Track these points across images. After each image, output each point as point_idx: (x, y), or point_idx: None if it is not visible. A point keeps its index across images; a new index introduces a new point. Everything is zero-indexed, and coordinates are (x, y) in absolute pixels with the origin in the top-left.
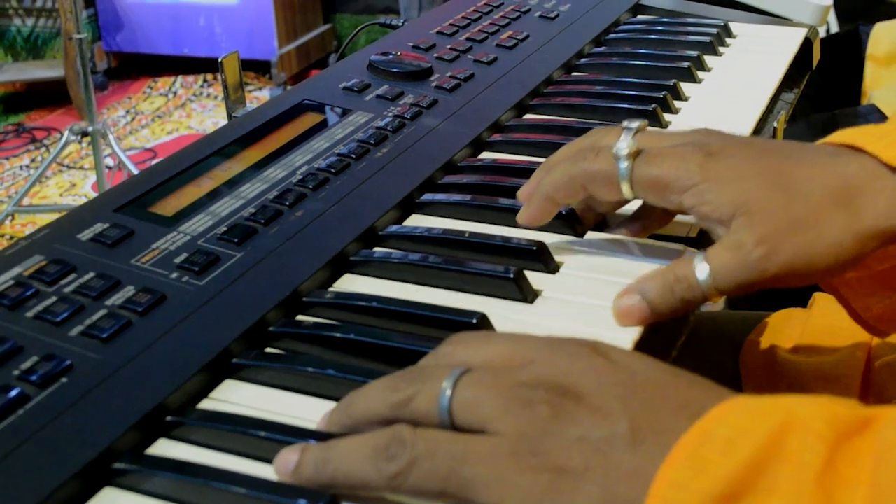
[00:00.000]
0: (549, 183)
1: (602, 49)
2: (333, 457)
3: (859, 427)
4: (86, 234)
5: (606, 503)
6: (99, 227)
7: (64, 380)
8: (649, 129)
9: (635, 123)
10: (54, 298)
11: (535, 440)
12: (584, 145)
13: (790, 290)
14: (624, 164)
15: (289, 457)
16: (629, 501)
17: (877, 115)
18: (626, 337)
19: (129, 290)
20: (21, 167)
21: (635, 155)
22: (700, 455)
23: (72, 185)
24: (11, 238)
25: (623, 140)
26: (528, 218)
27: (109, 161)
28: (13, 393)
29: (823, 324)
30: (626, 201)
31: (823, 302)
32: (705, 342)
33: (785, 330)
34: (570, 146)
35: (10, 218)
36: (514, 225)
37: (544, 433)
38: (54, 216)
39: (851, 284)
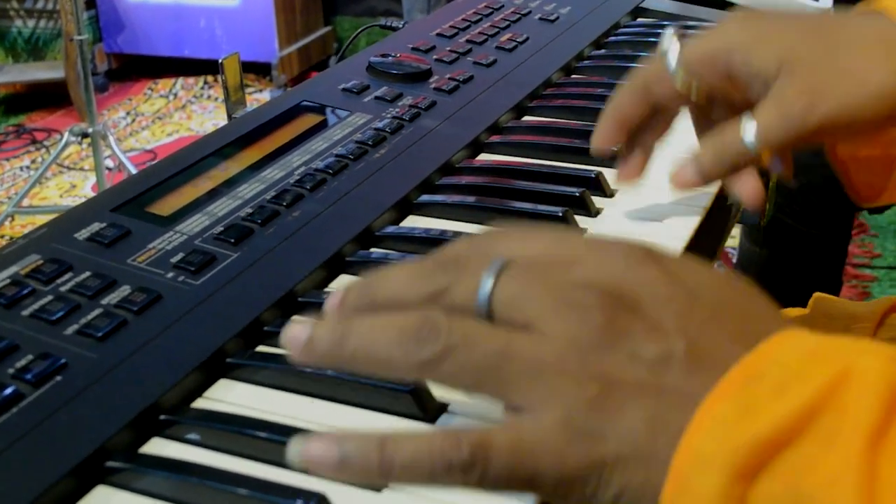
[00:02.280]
0: (613, 108)
1: (602, 52)
2: (353, 333)
3: None
4: (83, 234)
5: (653, 426)
6: (96, 226)
7: (58, 378)
8: None
9: (672, 30)
10: (50, 297)
11: (586, 347)
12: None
13: (790, 292)
14: (673, 55)
15: (298, 332)
16: (676, 428)
17: None
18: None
19: (124, 290)
20: (21, 168)
21: (680, 45)
22: (750, 393)
23: (72, 187)
24: (11, 239)
25: (666, 38)
26: (600, 140)
27: (109, 162)
28: (8, 391)
29: (823, 324)
30: (686, 99)
31: (823, 302)
32: None
33: None
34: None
35: (9, 219)
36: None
37: (596, 342)
38: (55, 217)
39: (862, 161)
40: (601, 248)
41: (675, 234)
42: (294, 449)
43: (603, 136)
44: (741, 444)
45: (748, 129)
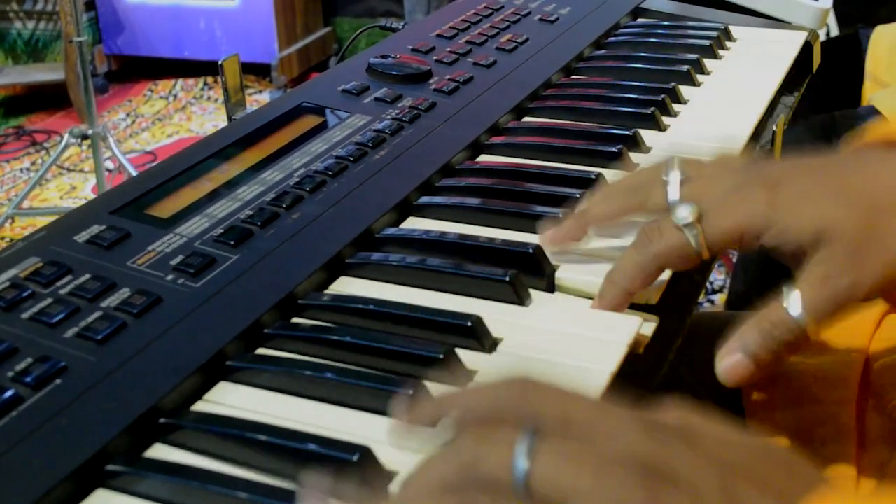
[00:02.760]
0: (622, 278)
1: (602, 52)
2: None
3: None
4: (82, 236)
5: None
6: (95, 228)
7: (58, 381)
8: (685, 165)
9: (676, 175)
10: (50, 300)
11: None
12: (634, 206)
13: None
14: (692, 234)
15: None
16: None
17: (875, 117)
18: (622, 341)
19: (124, 292)
20: (21, 170)
21: (699, 219)
22: None
23: (72, 188)
24: (11, 241)
25: (681, 209)
26: (606, 307)
27: (109, 164)
28: (7, 394)
29: None
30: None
31: None
32: (705, 343)
33: None
34: (614, 199)
35: (9, 221)
36: (512, 228)
37: None
38: (54, 219)
39: None
40: (640, 421)
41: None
42: None
43: (607, 303)
44: None
45: (794, 305)
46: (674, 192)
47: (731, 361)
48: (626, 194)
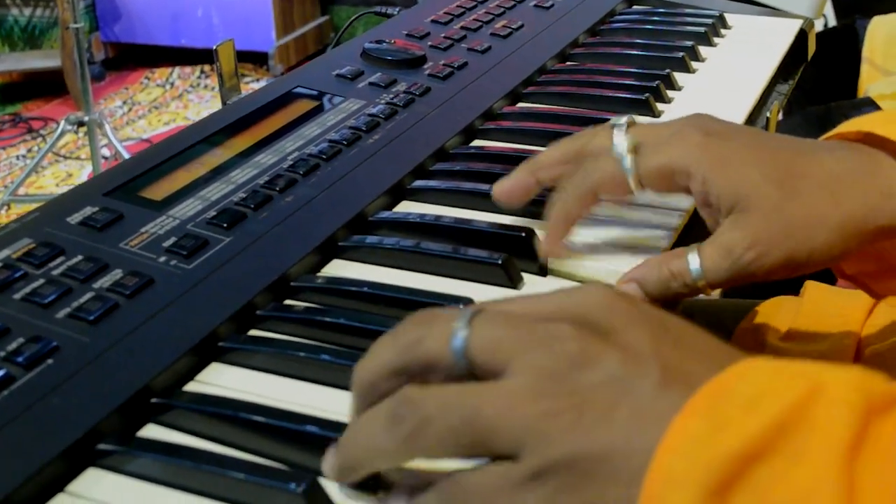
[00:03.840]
0: (561, 205)
1: (597, 39)
2: (347, 437)
3: (891, 404)
4: (75, 218)
5: (628, 445)
6: (88, 210)
7: (50, 361)
8: (638, 119)
9: (623, 120)
10: (42, 281)
11: (561, 378)
12: (577, 149)
13: (783, 282)
14: (627, 161)
15: (328, 460)
16: (650, 445)
17: (872, 108)
18: None
19: (116, 273)
20: (17, 157)
21: (635, 150)
22: (719, 410)
23: (68, 175)
24: None
25: (618, 137)
26: (550, 244)
27: (106, 151)
28: None
29: (814, 312)
30: (632, 196)
31: (815, 290)
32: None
33: (776, 318)
34: (560, 147)
35: (5, 208)
36: (504, 212)
37: (570, 370)
38: (47, 201)
39: (871, 274)
40: (570, 291)
41: (668, 221)
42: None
43: (552, 245)
44: (712, 461)
45: (693, 264)
46: (619, 134)
47: (625, 290)
48: (572, 140)
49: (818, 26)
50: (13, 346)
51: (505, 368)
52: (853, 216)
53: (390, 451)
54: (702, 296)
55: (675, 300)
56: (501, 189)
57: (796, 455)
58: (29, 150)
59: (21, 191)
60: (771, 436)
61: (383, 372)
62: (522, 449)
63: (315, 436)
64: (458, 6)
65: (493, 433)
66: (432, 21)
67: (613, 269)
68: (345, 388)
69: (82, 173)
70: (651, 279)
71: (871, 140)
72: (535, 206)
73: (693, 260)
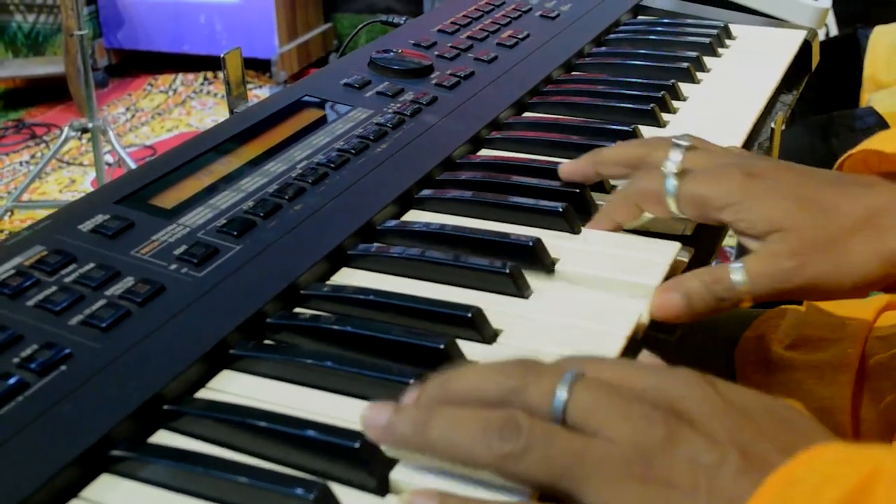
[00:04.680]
0: (608, 208)
1: (602, 49)
2: (436, 422)
3: None
4: (86, 226)
5: None
6: (99, 218)
7: (63, 368)
8: (697, 141)
9: (685, 141)
10: (54, 288)
11: (649, 453)
12: (639, 157)
13: None
14: (671, 183)
15: (377, 415)
16: None
17: (874, 118)
18: (620, 333)
19: (128, 281)
20: (21, 163)
21: (682, 174)
22: (786, 496)
23: (71, 182)
24: (10, 234)
25: (672, 159)
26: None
27: (109, 158)
28: (13, 380)
29: (818, 321)
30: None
31: None
32: (701, 338)
33: (780, 327)
34: (625, 149)
35: (9, 214)
36: (511, 221)
37: (658, 448)
38: (58, 209)
39: None
40: (665, 371)
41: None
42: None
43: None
44: None
45: (737, 273)
46: (675, 156)
47: (667, 298)
48: (636, 146)
49: (819, 36)
50: (27, 352)
51: (598, 433)
52: (889, 242)
53: (481, 460)
54: None
55: (716, 311)
56: (565, 170)
57: None
58: (32, 157)
59: (24, 197)
60: None
61: (479, 398)
62: None
63: (322, 441)
64: (464, 16)
65: (584, 483)
66: (439, 31)
67: (611, 278)
68: (353, 395)
69: (85, 179)
70: (694, 287)
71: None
72: (542, 216)
73: (737, 268)
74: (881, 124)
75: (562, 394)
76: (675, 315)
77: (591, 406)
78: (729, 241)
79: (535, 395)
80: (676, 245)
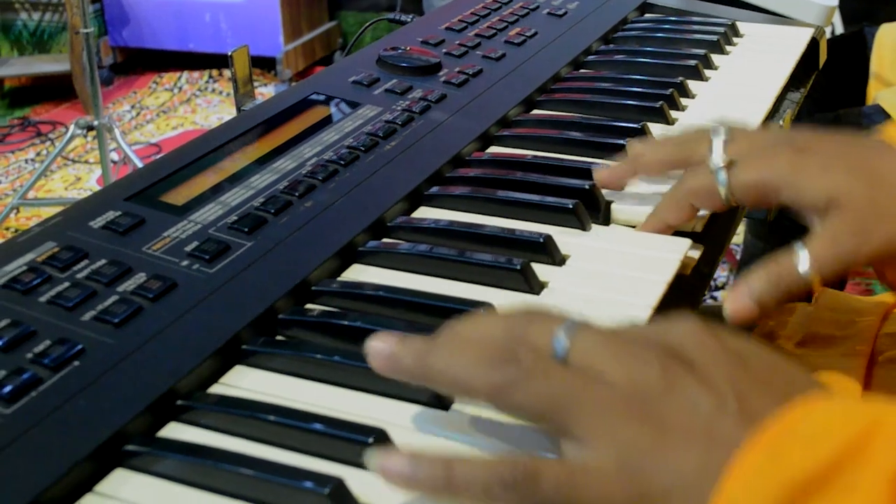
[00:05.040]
0: (660, 209)
1: (610, 46)
2: (438, 354)
3: None
4: (98, 222)
5: (699, 468)
6: (111, 214)
7: (76, 363)
8: (734, 127)
9: (722, 132)
10: (67, 284)
11: (647, 395)
12: (681, 158)
13: None
14: (722, 177)
15: (382, 345)
16: (718, 473)
17: (881, 116)
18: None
19: (140, 277)
20: (26, 161)
21: (731, 164)
22: (782, 446)
23: (77, 179)
24: (16, 231)
25: (716, 153)
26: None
27: (115, 155)
28: (26, 376)
29: (828, 318)
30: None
31: (828, 296)
32: None
33: (790, 324)
34: (665, 148)
35: (15, 211)
36: (522, 218)
37: (656, 391)
38: (59, 210)
39: None
40: (665, 319)
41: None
42: (374, 459)
43: (649, 230)
44: (770, 492)
45: (802, 260)
46: (717, 148)
47: (739, 304)
48: (676, 145)
49: (826, 33)
50: (40, 348)
51: (596, 375)
52: None
53: (478, 389)
54: (719, 301)
55: (785, 301)
56: (603, 177)
57: (849, 488)
58: (38, 154)
59: (30, 194)
60: (828, 471)
61: (481, 341)
62: (597, 446)
63: (335, 436)
64: (472, 14)
65: (578, 419)
66: (447, 28)
67: (622, 274)
68: (363, 389)
69: (91, 177)
70: (760, 286)
71: None
72: (552, 213)
73: (801, 254)
74: (888, 122)
75: (563, 337)
76: (750, 318)
77: (592, 349)
78: (736, 238)
79: (538, 336)
80: (687, 242)
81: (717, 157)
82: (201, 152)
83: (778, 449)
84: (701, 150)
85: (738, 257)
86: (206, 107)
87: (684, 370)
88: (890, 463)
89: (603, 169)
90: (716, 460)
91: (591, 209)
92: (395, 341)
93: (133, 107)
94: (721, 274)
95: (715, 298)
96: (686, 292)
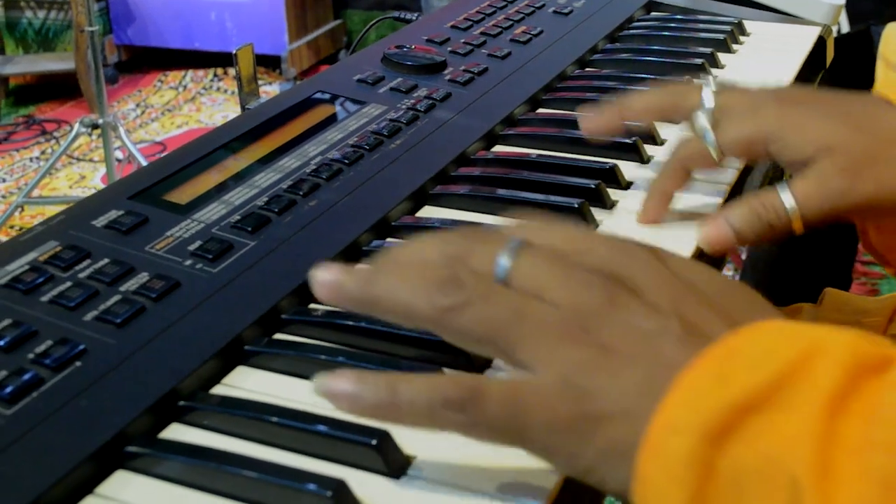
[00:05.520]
0: (657, 182)
1: (616, 45)
2: (381, 279)
3: (881, 364)
4: (100, 221)
5: (641, 389)
6: (113, 213)
7: (78, 363)
8: (722, 81)
9: (711, 82)
10: (69, 283)
11: (589, 317)
12: (668, 105)
13: (799, 288)
14: (710, 138)
15: (326, 274)
16: (660, 394)
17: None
18: None
19: (143, 277)
20: (31, 159)
21: (717, 122)
22: (725, 368)
23: (81, 178)
24: (21, 230)
25: (705, 104)
26: (649, 218)
27: (119, 154)
28: (27, 376)
29: (834, 318)
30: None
31: (834, 297)
32: None
33: None
34: (653, 96)
35: (19, 209)
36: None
37: (598, 313)
38: (71, 204)
39: (893, 248)
40: (613, 241)
41: (702, 207)
42: (319, 381)
43: (650, 214)
44: (711, 411)
45: (787, 196)
46: (707, 97)
47: (714, 228)
48: (665, 93)
49: (832, 32)
50: (41, 348)
51: (540, 297)
52: None
53: (421, 313)
54: None
55: (767, 237)
56: (588, 125)
57: (787, 406)
58: (42, 153)
59: (35, 193)
60: (768, 390)
61: (422, 262)
62: (541, 367)
63: (339, 438)
64: (477, 12)
65: (521, 341)
66: (452, 27)
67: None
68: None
69: (95, 176)
70: (741, 214)
71: None
72: (557, 212)
73: (784, 191)
74: None
75: (505, 260)
76: (724, 245)
77: (534, 272)
78: None
79: (479, 260)
80: (694, 238)
81: (701, 119)
82: (205, 151)
83: (720, 370)
84: (690, 99)
85: (743, 257)
86: (211, 105)
87: (629, 293)
88: (827, 382)
89: (589, 117)
90: (658, 382)
91: (596, 207)
92: (339, 270)
93: (138, 105)
94: (728, 275)
95: None
96: None
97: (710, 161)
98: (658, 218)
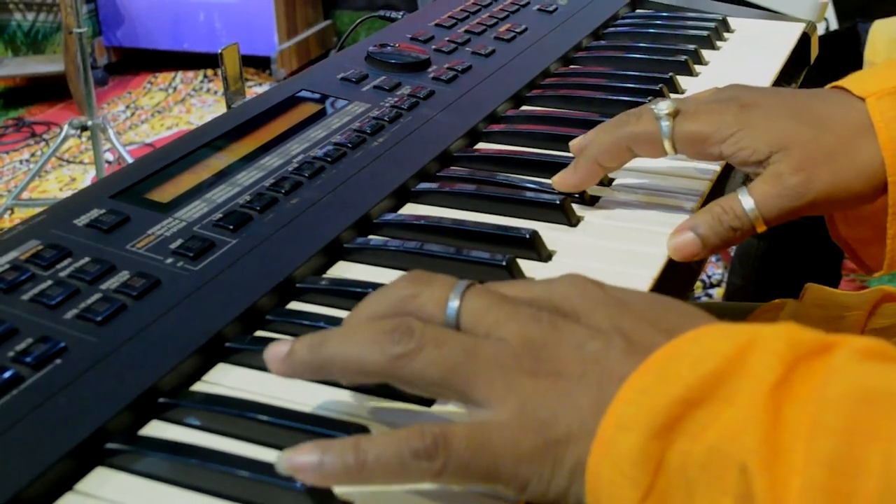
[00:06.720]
0: (595, 147)
1: (600, 42)
2: (331, 341)
3: (819, 350)
4: (82, 220)
5: (597, 405)
6: (95, 212)
7: (58, 361)
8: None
9: (664, 102)
10: (50, 282)
11: (538, 348)
12: (629, 135)
13: (787, 285)
14: (665, 123)
15: (278, 348)
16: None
17: None
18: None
19: (123, 275)
20: (20, 161)
21: (675, 114)
22: (668, 368)
23: (71, 180)
24: None
25: (663, 101)
26: (574, 181)
27: (109, 156)
28: (7, 374)
29: (815, 314)
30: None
31: (815, 292)
32: None
33: (777, 320)
34: (609, 131)
35: (9, 212)
36: (508, 214)
37: (546, 342)
38: (53, 204)
39: (864, 240)
40: (548, 280)
41: (671, 220)
42: (282, 457)
43: (578, 179)
44: (656, 407)
45: (746, 198)
46: (663, 108)
47: (681, 238)
48: (618, 123)
49: (820, 30)
50: (22, 346)
51: (489, 335)
52: (877, 160)
53: (374, 365)
54: (703, 299)
55: (732, 241)
56: (567, 181)
57: (729, 398)
58: (32, 155)
59: (24, 195)
60: (709, 384)
61: (374, 315)
62: (498, 403)
63: (318, 434)
64: (461, 10)
65: (475, 381)
66: (436, 25)
67: (609, 269)
68: (349, 387)
69: (86, 178)
70: (705, 221)
71: None
72: (539, 208)
73: (743, 195)
74: None
75: (454, 301)
76: (692, 253)
77: (482, 310)
78: None
79: (428, 304)
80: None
81: (664, 104)
82: (188, 149)
83: (664, 370)
84: (645, 121)
85: (731, 254)
86: (201, 107)
87: (570, 320)
88: (765, 373)
89: (564, 174)
90: (608, 393)
91: (578, 200)
92: (288, 343)
93: (128, 107)
94: (716, 272)
95: (710, 296)
96: (674, 287)
97: (658, 150)
98: (586, 186)
